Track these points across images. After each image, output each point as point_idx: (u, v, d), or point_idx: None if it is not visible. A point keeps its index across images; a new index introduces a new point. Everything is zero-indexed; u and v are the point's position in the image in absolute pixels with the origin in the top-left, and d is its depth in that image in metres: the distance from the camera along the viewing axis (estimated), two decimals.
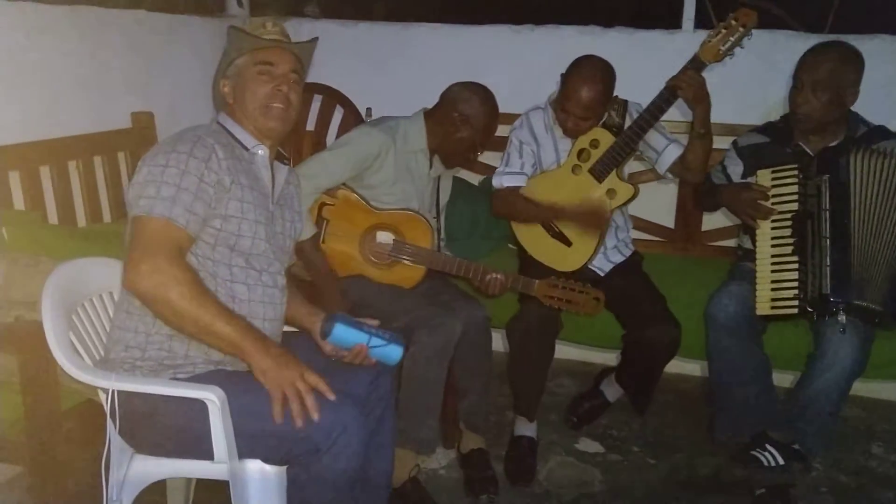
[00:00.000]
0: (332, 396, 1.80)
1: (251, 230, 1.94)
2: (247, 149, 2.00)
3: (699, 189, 2.99)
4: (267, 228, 1.99)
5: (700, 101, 2.68)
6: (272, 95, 1.99)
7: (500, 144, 3.01)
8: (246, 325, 1.83)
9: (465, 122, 2.69)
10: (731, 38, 2.63)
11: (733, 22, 2.63)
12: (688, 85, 2.64)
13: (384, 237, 2.72)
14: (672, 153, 2.86)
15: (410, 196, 2.75)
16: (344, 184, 2.71)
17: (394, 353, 2.07)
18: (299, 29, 3.67)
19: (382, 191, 2.71)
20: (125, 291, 1.92)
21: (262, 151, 2.02)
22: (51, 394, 2.13)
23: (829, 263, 2.48)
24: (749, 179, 2.75)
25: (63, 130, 2.89)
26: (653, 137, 2.86)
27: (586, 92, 2.69)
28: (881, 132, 2.68)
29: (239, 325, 1.81)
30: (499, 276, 2.62)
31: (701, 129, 2.73)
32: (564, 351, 2.90)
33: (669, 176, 2.95)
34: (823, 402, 2.52)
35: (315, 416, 1.77)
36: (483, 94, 2.72)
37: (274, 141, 2.06)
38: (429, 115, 2.78)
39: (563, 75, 2.78)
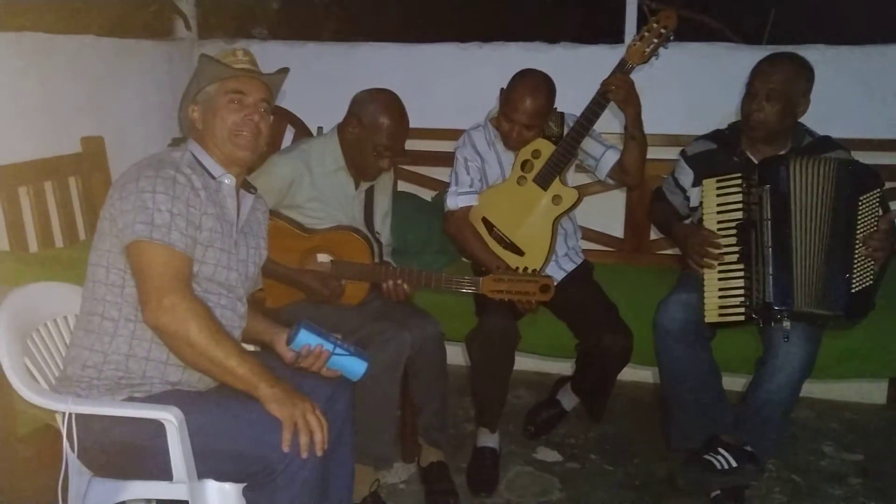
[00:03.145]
0: (324, 446, 1.82)
1: (215, 258, 1.96)
2: (213, 177, 2.01)
3: (653, 206, 3.08)
4: (230, 256, 2.01)
5: (630, 102, 2.77)
6: (242, 124, 2.01)
7: (433, 160, 3.01)
8: (258, 363, 1.85)
9: (363, 127, 2.66)
10: (655, 40, 2.74)
11: (655, 24, 2.74)
12: (617, 87, 2.73)
13: (323, 258, 2.70)
14: (610, 158, 2.95)
15: (337, 216, 2.73)
16: (272, 212, 2.64)
17: (356, 366, 2.07)
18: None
19: (309, 212, 2.70)
20: (86, 309, 1.93)
21: (228, 181, 2.04)
22: (7, 420, 2.11)
23: (771, 272, 2.52)
24: (696, 188, 2.81)
25: (12, 156, 2.86)
26: (590, 146, 2.94)
27: (531, 101, 2.76)
28: (826, 143, 2.75)
29: (251, 361, 1.84)
30: (403, 285, 2.63)
31: (634, 131, 2.82)
32: (521, 362, 2.94)
33: (611, 181, 3.04)
34: (774, 405, 2.57)
35: (319, 453, 1.81)
36: (383, 99, 2.69)
37: (241, 169, 2.08)
38: (339, 128, 2.76)
39: (503, 90, 2.85)
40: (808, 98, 2.68)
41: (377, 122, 2.64)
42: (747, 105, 2.69)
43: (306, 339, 2.02)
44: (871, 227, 2.50)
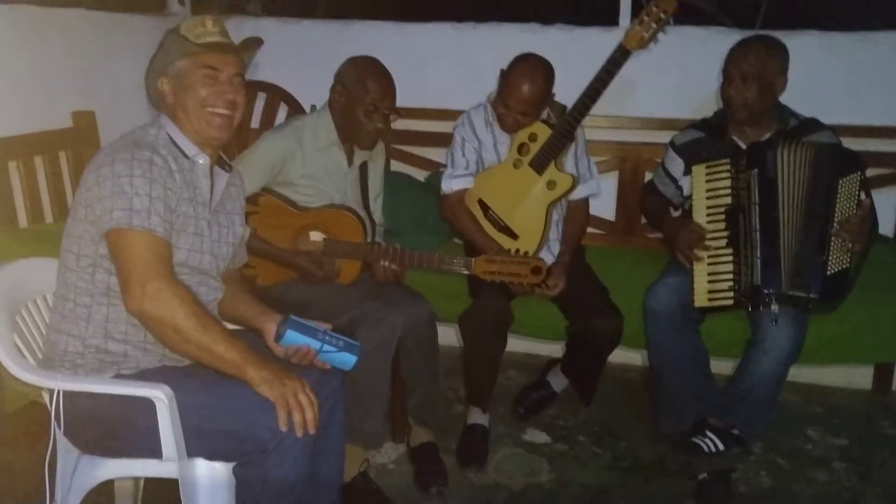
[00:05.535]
0: (315, 424, 1.81)
1: (188, 243, 1.93)
2: (187, 157, 1.97)
3: (644, 199, 3.11)
4: (202, 240, 1.98)
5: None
6: (217, 103, 1.95)
7: (426, 140, 2.98)
8: (245, 346, 1.83)
9: (349, 92, 2.65)
10: (654, 25, 2.72)
11: (654, 9, 2.72)
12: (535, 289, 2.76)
13: (315, 236, 2.69)
14: (582, 190, 2.98)
15: (329, 193, 2.71)
16: (265, 188, 2.68)
17: (346, 360, 2.06)
18: (241, 27, 3.65)
19: (301, 189, 2.68)
20: (60, 294, 1.92)
21: (202, 160, 1.99)
22: None
23: (759, 256, 2.55)
24: (687, 177, 2.81)
25: (2, 131, 2.85)
26: (580, 163, 2.97)
27: (528, 88, 2.75)
28: (812, 124, 2.77)
29: (238, 346, 1.82)
30: (393, 267, 2.64)
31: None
32: (511, 343, 2.94)
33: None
34: (761, 388, 2.59)
35: (311, 431, 1.79)
36: (363, 62, 2.69)
37: (215, 149, 2.04)
38: (329, 102, 2.74)
39: (503, 72, 2.82)
40: (786, 77, 2.70)
41: (363, 84, 2.63)
42: (726, 90, 2.72)
43: (293, 338, 2.01)
44: (850, 211, 2.52)
